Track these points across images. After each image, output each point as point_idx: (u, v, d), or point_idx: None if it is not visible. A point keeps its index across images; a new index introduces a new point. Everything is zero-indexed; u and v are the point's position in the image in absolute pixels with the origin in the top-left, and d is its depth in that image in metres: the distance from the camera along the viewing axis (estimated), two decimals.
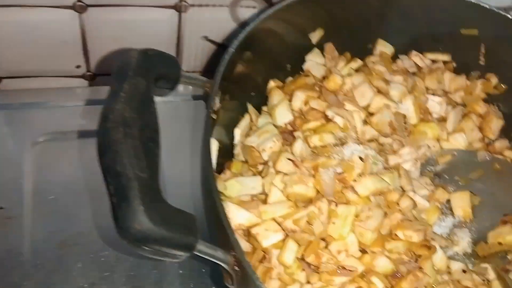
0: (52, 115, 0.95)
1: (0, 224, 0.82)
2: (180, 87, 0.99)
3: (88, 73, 1.03)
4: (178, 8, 0.94)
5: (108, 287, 0.80)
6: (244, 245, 0.67)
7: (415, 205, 0.73)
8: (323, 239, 0.67)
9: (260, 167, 0.76)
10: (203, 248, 0.55)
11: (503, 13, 0.83)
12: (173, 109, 0.99)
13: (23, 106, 0.95)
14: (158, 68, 0.60)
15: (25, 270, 0.79)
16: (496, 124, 0.87)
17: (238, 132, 0.80)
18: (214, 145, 0.66)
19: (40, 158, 0.89)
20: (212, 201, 0.59)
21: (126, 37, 0.98)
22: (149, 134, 0.54)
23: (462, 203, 0.79)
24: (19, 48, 0.94)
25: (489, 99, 0.91)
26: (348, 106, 0.79)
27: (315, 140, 0.74)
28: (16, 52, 0.95)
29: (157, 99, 0.96)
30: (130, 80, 0.56)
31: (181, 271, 0.82)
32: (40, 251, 0.81)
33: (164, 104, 0.97)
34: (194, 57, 1.05)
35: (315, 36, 0.87)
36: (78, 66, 1.02)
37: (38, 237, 0.82)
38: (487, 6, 0.83)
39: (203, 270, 0.82)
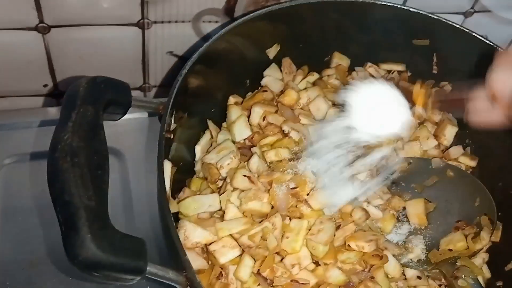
0: (19, 136, 0.96)
1: None
2: None
3: (56, 92, 1.05)
4: (141, 25, 0.95)
5: None
6: (202, 263, 0.69)
7: (368, 216, 0.75)
8: (278, 253, 0.69)
9: (220, 183, 0.78)
10: (154, 271, 0.57)
11: (451, 23, 0.86)
12: (139, 126, 1.01)
13: None
14: (107, 95, 0.61)
15: None
16: (450, 131, 0.89)
17: (198, 149, 0.82)
18: (168, 167, 0.68)
19: (7, 180, 0.90)
20: (166, 223, 0.61)
21: (91, 54, 0.99)
22: (97, 161, 0.56)
23: (416, 210, 0.81)
24: None
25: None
26: (304, 120, 0.81)
27: (271, 155, 0.76)
28: None
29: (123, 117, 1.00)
30: (78, 109, 0.57)
31: None
32: (9, 272, 0.82)
33: (130, 121, 1.01)
34: (160, 72, 1.07)
35: (272, 51, 0.89)
36: (45, 85, 1.03)
37: (6, 258, 0.83)
38: (436, 17, 0.86)
39: None
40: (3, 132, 0.96)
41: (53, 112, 1.02)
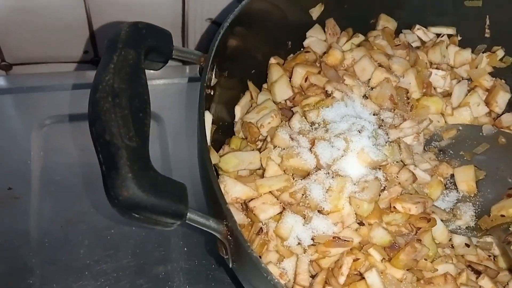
0: (59, 98, 0.96)
1: (8, 204, 0.84)
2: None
3: (96, 58, 1.04)
4: None
5: (113, 264, 0.81)
6: (241, 218, 0.67)
7: (415, 179, 0.71)
8: (320, 211, 0.67)
9: (259, 144, 0.76)
10: (195, 217, 0.55)
11: None
12: (179, 92, 1.00)
13: (30, 89, 0.96)
14: (149, 40, 0.60)
15: (32, 248, 0.81)
16: (502, 98, 0.85)
17: (238, 110, 0.80)
18: (208, 118, 0.66)
19: (47, 140, 0.91)
20: (206, 172, 0.59)
21: (131, 19, 0.98)
22: (138, 104, 0.55)
23: (466, 177, 0.77)
24: (27, 34, 0.96)
25: (496, 73, 0.88)
26: (348, 80, 0.78)
27: (313, 115, 0.74)
28: (25, 38, 0.97)
29: (160, 82, 1.00)
30: (120, 52, 0.56)
31: (185, 249, 0.83)
32: (47, 230, 0.83)
33: (170, 85, 1.00)
34: (199, 39, 1.06)
35: (316, 11, 0.86)
36: (86, 52, 1.03)
37: (44, 216, 0.84)
38: None
39: (208, 248, 0.83)
40: (44, 93, 0.97)
41: (91, 75, 1.02)
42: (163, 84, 0.99)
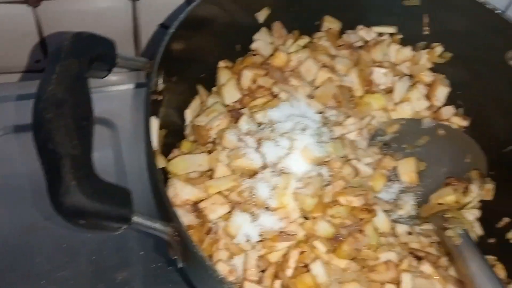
0: (12, 108, 0.96)
1: None
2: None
3: None
4: None
5: (72, 270, 0.82)
6: (191, 219, 0.70)
7: (357, 172, 0.75)
8: (267, 208, 0.69)
9: (210, 146, 0.78)
10: (141, 220, 0.57)
11: None
12: (130, 97, 1.01)
13: None
14: (92, 49, 0.61)
15: None
16: (442, 91, 0.89)
17: (188, 113, 0.82)
18: (154, 123, 0.68)
19: (1, 150, 0.91)
20: (153, 176, 0.61)
21: (83, 27, 0.99)
22: (82, 113, 0.56)
23: (408, 169, 0.81)
24: None
25: (436, 68, 0.93)
26: (294, 81, 0.81)
27: (260, 116, 0.76)
28: None
29: (112, 88, 1.01)
30: (63, 62, 0.58)
31: (142, 253, 0.85)
32: (5, 239, 0.83)
33: (121, 91, 1.01)
34: (152, 45, 1.07)
35: (262, 15, 0.88)
36: (37, 61, 1.03)
37: (1, 227, 0.84)
38: None
39: (160, 251, 0.85)
40: None
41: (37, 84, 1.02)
42: (115, 90, 1.00)
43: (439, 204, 0.75)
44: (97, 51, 0.62)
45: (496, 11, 0.83)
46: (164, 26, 1.03)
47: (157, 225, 0.58)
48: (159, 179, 0.59)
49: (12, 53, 0.99)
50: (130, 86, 1.02)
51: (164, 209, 0.59)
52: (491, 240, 0.82)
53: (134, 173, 0.90)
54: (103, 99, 0.95)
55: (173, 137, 0.79)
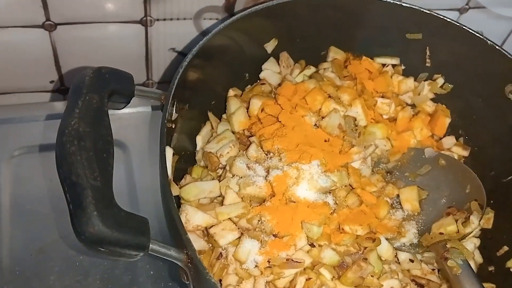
0: (27, 129, 1.00)
1: None
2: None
3: (62, 88, 1.08)
4: (144, 23, 0.99)
5: None
6: (202, 244, 0.72)
7: (361, 202, 0.78)
8: (275, 235, 0.72)
9: (220, 172, 0.81)
10: (157, 248, 0.60)
11: (442, 17, 0.88)
12: (143, 120, 1.05)
13: None
14: (112, 84, 0.65)
15: (5, 276, 0.84)
16: (443, 122, 0.93)
17: (199, 139, 0.85)
18: (169, 153, 0.71)
19: (17, 171, 0.94)
20: (167, 205, 0.64)
21: (96, 52, 1.03)
22: (102, 145, 0.59)
23: (410, 197, 0.84)
24: None
25: (437, 99, 0.96)
26: (300, 111, 0.84)
27: (268, 145, 0.79)
28: None
29: (125, 111, 1.04)
30: (85, 97, 0.61)
31: (152, 272, 0.87)
32: (19, 259, 0.86)
33: (135, 114, 1.05)
34: (163, 68, 1.11)
35: (270, 45, 0.92)
36: (51, 81, 1.07)
37: (15, 246, 0.87)
38: (428, 12, 0.89)
39: (172, 274, 0.88)
40: (12, 125, 1.00)
41: (59, 106, 1.06)
42: (128, 113, 1.03)
43: (440, 233, 0.77)
44: (117, 86, 0.66)
45: (495, 46, 0.86)
46: (175, 51, 1.06)
47: (172, 252, 0.61)
48: (174, 209, 0.62)
49: (28, 74, 1.03)
50: (142, 109, 1.06)
51: (178, 236, 0.62)
52: (491, 268, 0.85)
53: (145, 194, 0.94)
54: (115, 121, 0.99)
55: (185, 161, 0.82)
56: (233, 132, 0.85)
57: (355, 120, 0.87)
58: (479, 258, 0.86)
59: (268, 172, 0.77)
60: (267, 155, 0.80)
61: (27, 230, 0.89)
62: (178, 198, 0.77)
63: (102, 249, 0.56)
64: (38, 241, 0.88)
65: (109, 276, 0.86)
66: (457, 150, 0.92)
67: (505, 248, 0.85)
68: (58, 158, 0.57)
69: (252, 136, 0.84)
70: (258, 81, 0.92)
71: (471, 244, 0.84)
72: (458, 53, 0.92)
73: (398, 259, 0.80)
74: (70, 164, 0.56)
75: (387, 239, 0.78)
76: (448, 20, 0.89)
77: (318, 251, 0.72)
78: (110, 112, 0.64)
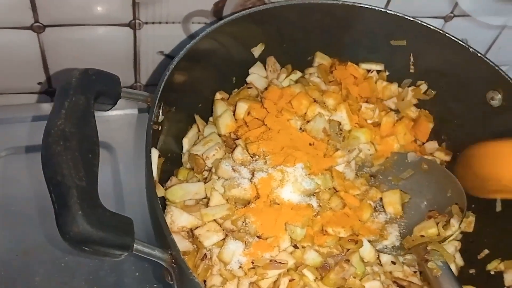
0: (14, 130, 1.00)
1: None
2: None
3: (49, 89, 1.09)
4: (132, 26, 0.99)
5: None
6: (187, 246, 0.73)
7: (345, 204, 0.79)
8: (259, 237, 0.73)
9: (205, 174, 0.82)
10: (141, 248, 0.61)
11: (426, 25, 0.90)
12: (129, 122, 1.05)
13: None
14: (98, 86, 0.65)
15: None
16: (426, 127, 0.94)
17: (186, 142, 0.86)
18: (155, 155, 0.72)
19: (3, 172, 0.94)
20: (152, 206, 0.65)
21: (84, 54, 1.03)
22: (88, 146, 0.60)
23: (392, 200, 0.85)
24: None
25: (420, 104, 0.98)
26: (286, 114, 0.86)
27: (253, 147, 0.80)
28: None
29: (112, 113, 1.04)
30: (71, 98, 0.62)
31: (137, 274, 0.88)
32: (4, 260, 0.86)
33: (121, 116, 1.05)
34: (151, 71, 1.12)
35: (257, 50, 0.93)
36: (39, 83, 1.07)
37: (1, 247, 0.87)
38: (412, 19, 0.91)
39: (157, 274, 0.88)
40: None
41: (47, 107, 1.06)
42: (115, 115, 1.04)
43: (422, 236, 0.79)
44: (103, 87, 0.66)
45: (478, 54, 0.88)
46: (163, 54, 1.07)
47: (156, 253, 0.62)
48: (159, 209, 0.63)
49: (15, 75, 1.03)
50: (129, 111, 1.06)
51: (162, 237, 0.63)
52: (472, 271, 0.87)
53: (131, 195, 0.94)
54: (101, 123, 1.00)
55: (171, 163, 0.83)
56: (220, 135, 0.86)
57: (340, 124, 0.89)
58: (460, 261, 0.87)
59: (253, 174, 0.78)
60: (252, 157, 0.81)
61: (13, 231, 0.89)
62: (164, 199, 0.77)
63: (86, 249, 0.57)
64: (24, 242, 0.88)
65: (94, 278, 0.87)
66: (439, 155, 0.94)
67: (486, 251, 0.86)
68: (44, 158, 0.58)
69: (238, 139, 0.85)
70: (245, 85, 0.93)
71: (452, 247, 0.86)
72: (442, 60, 0.93)
73: (380, 261, 0.82)
74: (55, 164, 0.57)
75: (369, 241, 0.79)
76: (432, 27, 0.90)
77: (301, 253, 0.73)
78: (97, 114, 0.65)
